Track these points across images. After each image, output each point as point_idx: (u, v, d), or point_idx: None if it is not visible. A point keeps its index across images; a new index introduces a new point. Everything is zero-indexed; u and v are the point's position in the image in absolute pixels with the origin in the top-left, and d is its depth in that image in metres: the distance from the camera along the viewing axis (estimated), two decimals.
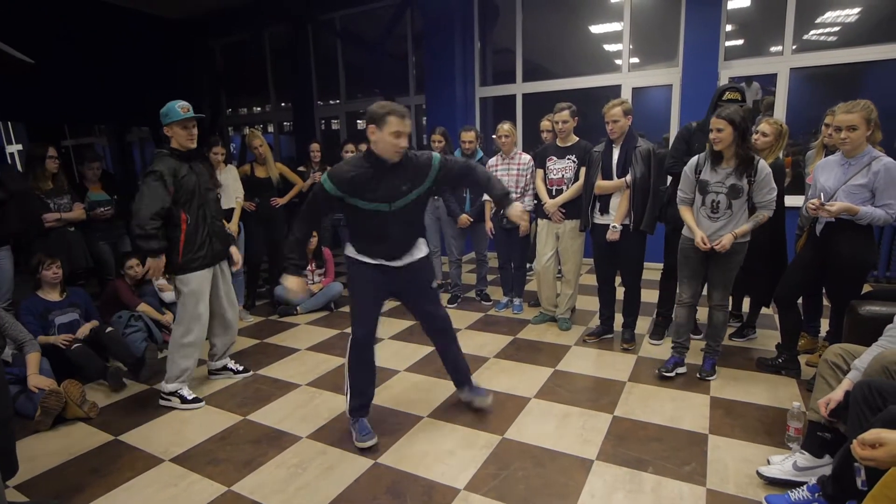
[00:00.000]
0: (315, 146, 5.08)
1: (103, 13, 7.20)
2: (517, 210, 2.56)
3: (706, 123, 3.32)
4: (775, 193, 2.79)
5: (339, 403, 2.94)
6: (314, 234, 4.71)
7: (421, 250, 2.60)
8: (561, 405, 2.82)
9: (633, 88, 5.76)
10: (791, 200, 3.55)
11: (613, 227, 3.39)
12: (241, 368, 3.41)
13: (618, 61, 5.91)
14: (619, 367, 3.27)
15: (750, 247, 3.22)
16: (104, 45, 7.25)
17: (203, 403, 3.02)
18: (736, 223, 2.83)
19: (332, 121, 8.51)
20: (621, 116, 3.27)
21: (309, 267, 4.79)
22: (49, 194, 3.72)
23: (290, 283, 2.51)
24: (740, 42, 5.49)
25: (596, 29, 6.25)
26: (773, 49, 5.24)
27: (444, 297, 4.84)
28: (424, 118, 7.09)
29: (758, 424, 2.55)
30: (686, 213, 2.98)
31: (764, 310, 3.70)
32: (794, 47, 5.01)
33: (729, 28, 5.30)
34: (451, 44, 6.29)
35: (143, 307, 3.85)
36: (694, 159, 2.94)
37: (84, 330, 3.40)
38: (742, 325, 3.69)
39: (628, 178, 3.31)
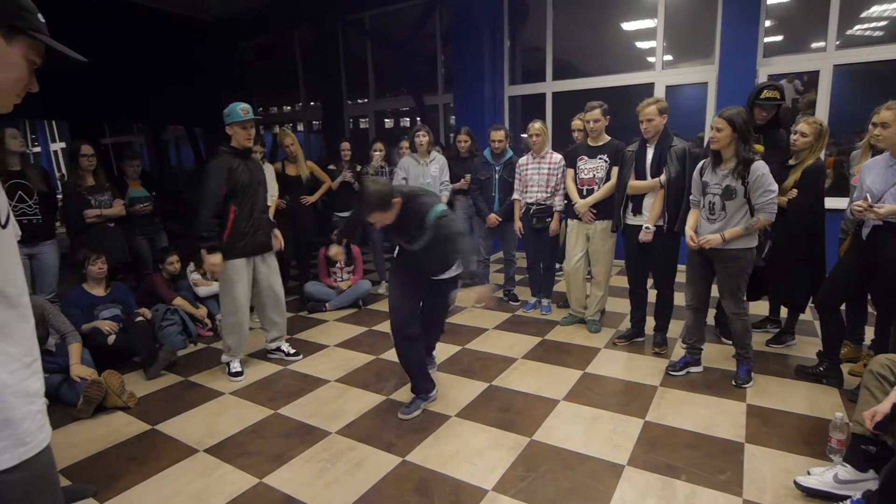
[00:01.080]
0: (346, 145, 5.12)
1: (140, 15, 7.41)
2: (471, 295, 2.62)
3: None
4: (773, 196, 2.72)
5: (367, 401, 2.96)
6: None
7: (455, 269, 2.79)
8: (590, 408, 2.78)
9: (667, 86, 5.63)
10: (833, 202, 3.43)
11: (646, 227, 3.33)
12: (293, 352, 3.63)
13: (651, 59, 5.80)
14: (650, 371, 3.21)
15: (786, 248, 3.13)
16: (142, 47, 7.46)
17: (242, 378, 3.32)
18: (732, 226, 2.79)
19: (361, 119, 8.58)
20: (656, 115, 3.20)
21: (338, 264, 4.84)
22: (90, 191, 3.84)
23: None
24: (779, 38, 5.31)
25: (628, 26, 6.13)
26: (814, 45, 5.06)
27: None
28: (452, 117, 7.09)
29: (797, 434, 2.46)
30: (690, 215, 3.02)
31: (803, 315, 3.57)
32: (837, 43, 4.83)
33: (768, 24, 5.13)
34: (480, 42, 6.27)
35: (178, 301, 3.96)
36: (701, 162, 2.96)
37: (107, 325, 3.49)
38: (780, 331, 3.57)
39: (662, 177, 3.24)
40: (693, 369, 3.13)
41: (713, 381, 3.02)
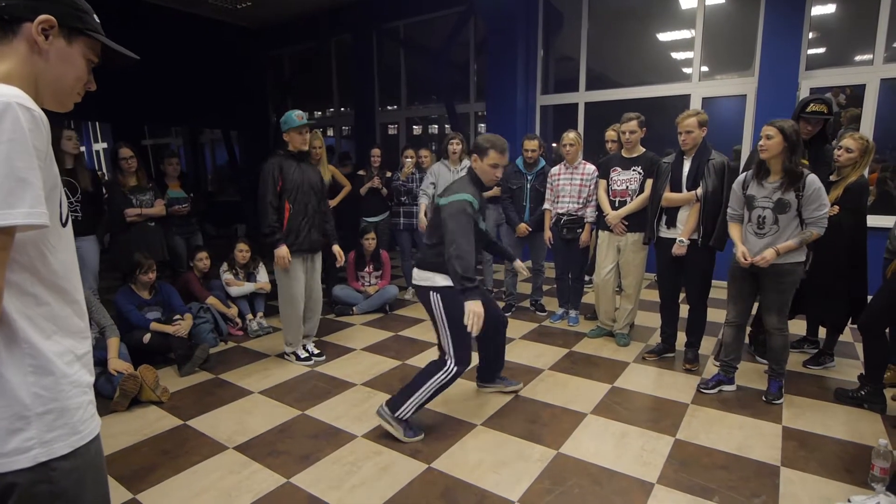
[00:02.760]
0: (376, 151, 5.18)
1: (181, 21, 7.67)
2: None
3: None
4: (826, 210, 2.65)
5: None
6: (373, 235, 4.81)
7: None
8: (619, 423, 2.73)
9: (703, 98, 5.54)
10: (876, 220, 3.31)
11: (680, 241, 3.27)
12: (316, 352, 3.71)
13: (687, 70, 5.71)
14: (680, 387, 3.14)
15: (826, 267, 3.04)
16: (181, 52, 7.71)
17: (313, 361, 3.59)
18: (784, 240, 2.71)
19: (390, 126, 8.66)
20: (696, 127, 3.15)
21: (366, 269, 4.89)
22: (132, 191, 3.98)
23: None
24: (822, 50, 5.17)
25: (664, 37, 6.07)
26: (858, 58, 4.91)
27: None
28: (482, 125, 7.11)
29: (836, 460, 2.37)
30: (733, 230, 2.95)
31: (843, 336, 3.45)
32: (885, 55, 4.67)
33: (811, 35, 5.01)
34: (514, 51, 6.28)
35: (211, 300, 4.05)
36: (742, 175, 2.90)
37: (188, 324, 3.66)
38: (819, 352, 3.45)
39: (699, 191, 3.18)
40: (726, 388, 3.06)
41: (747, 401, 2.94)
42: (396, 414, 2.56)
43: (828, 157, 3.13)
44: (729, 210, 2.97)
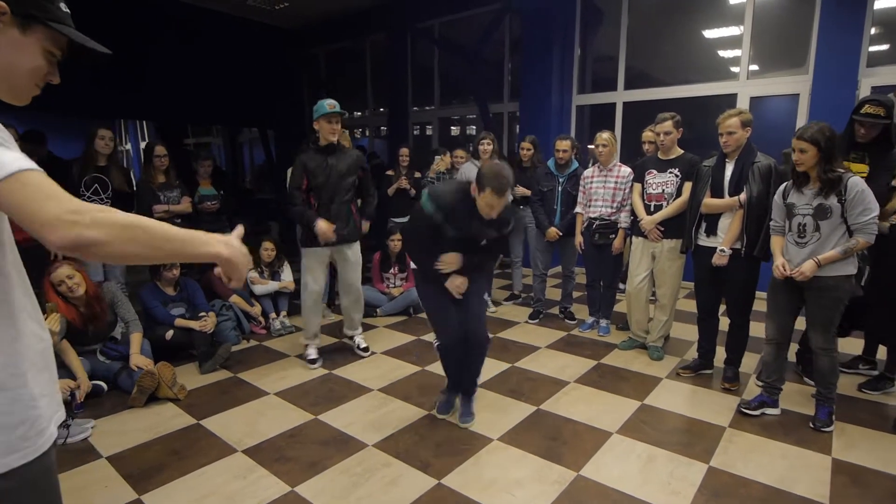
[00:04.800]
0: (404, 151, 5.10)
1: (221, 24, 7.82)
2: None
3: (844, 139, 2.89)
4: (874, 215, 2.40)
5: (408, 413, 2.87)
6: (399, 236, 4.73)
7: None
8: (646, 445, 2.53)
9: (752, 98, 5.21)
10: None
11: (721, 250, 3.03)
12: (363, 346, 3.75)
13: (734, 68, 5.38)
14: (717, 409, 2.90)
15: (887, 280, 2.75)
16: (220, 54, 7.86)
17: (317, 366, 3.52)
18: (827, 250, 2.47)
19: (426, 126, 8.60)
20: (738, 128, 2.91)
21: (392, 270, 4.82)
22: (161, 188, 4.04)
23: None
24: (885, 47, 4.76)
25: (710, 33, 5.75)
26: None
27: (525, 312, 4.65)
28: (518, 125, 6.94)
29: (894, 501, 2.11)
30: (775, 242, 2.72)
31: None
32: None
33: (873, 31, 4.62)
34: (550, 50, 6.09)
35: (234, 298, 4.06)
36: (783, 185, 2.68)
37: (213, 321, 3.66)
38: (878, 376, 3.14)
39: (742, 196, 2.94)
40: (769, 411, 2.81)
41: (793, 428, 2.68)
42: None
43: (891, 163, 2.84)
44: (771, 223, 2.75)
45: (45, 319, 2.75)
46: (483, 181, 2.32)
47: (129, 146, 11.73)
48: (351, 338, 3.79)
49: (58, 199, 0.76)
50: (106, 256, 0.80)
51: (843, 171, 2.45)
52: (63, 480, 2.25)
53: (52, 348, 1.02)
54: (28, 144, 4.10)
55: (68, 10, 0.93)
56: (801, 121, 4.89)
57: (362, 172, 3.55)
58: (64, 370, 2.92)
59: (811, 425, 2.66)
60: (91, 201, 3.71)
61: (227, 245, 0.94)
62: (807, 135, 2.43)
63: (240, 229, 1.03)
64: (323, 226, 3.28)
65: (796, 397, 2.99)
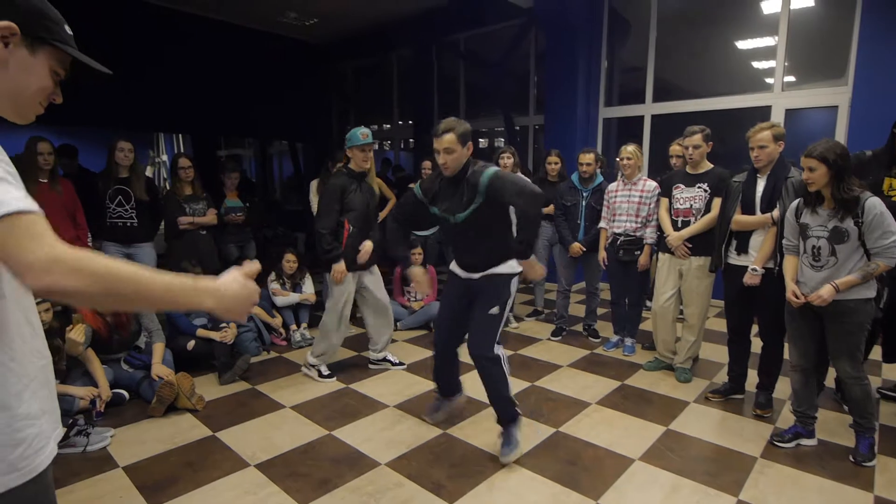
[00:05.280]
0: (427, 163, 5.10)
1: (252, 40, 8.04)
2: (532, 268, 2.53)
3: (885, 153, 2.74)
4: (894, 238, 2.24)
5: (423, 432, 2.82)
6: (420, 250, 4.71)
7: (504, 267, 2.53)
8: (671, 474, 2.41)
9: (787, 110, 5.02)
10: None
11: (752, 269, 2.89)
12: (398, 361, 3.78)
13: (769, 80, 5.21)
14: (748, 436, 2.75)
15: None
16: (253, 68, 8.07)
17: (335, 379, 3.50)
18: (845, 274, 2.33)
19: None
20: (770, 142, 2.79)
21: (412, 284, 4.78)
22: (186, 199, 4.12)
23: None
24: None
25: (743, 44, 5.59)
26: None
27: (548, 329, 4.54)
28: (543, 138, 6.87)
29: None
30: (788, 263, 2.59)
31: None
32: None
33: None
34: (575, 62, 6.02)
35: (255, 309, 4.08)
36: (795, 202, 2.55)
37: (233, 332, 3.68)
38: None
39: (775, 213, 2.81)
40: (805, 442, 2.64)
41: (830, 460, 2.52)
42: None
43: None
44: (784, 241, 2.61)
45: (71, 330, 2.87)
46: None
47: (165, 157, 12.14)
48: (384, 359, 3.77)
49: (40, 243, 0.76)
50: (85, 304, 0.80)
51: (859, 190, 2.32)
52: (80, 490, 2.29)
53: (53, 366, 1.02)
54: (62, 158, 4.26)
55: (71, 33, 0.96)
56: (841, 134, 4.69)
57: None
58: (87, 378, 2.98)
59: (851, 458, 2.49)
60: (116, 213, 3.82)
61: (217, 297, 0.91)
62: (815, 152, 2.32)
63: (254, 266, 0.99)
64: (340, 267, 3.34)
65: (835, 427, 2.82)
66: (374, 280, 3.60)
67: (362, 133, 3.31)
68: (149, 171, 12.55)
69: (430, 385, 3.43)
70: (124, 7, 6.40)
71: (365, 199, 3.41)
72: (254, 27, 7.96)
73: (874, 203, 2.28)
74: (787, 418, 2.89)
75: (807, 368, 2.62)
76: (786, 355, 3.03)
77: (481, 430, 2.80)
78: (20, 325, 0.91)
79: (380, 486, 2.32)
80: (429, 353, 4.04)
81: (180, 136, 12.52)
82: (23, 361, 0.91)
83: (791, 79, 5.14)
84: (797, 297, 2.47)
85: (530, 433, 2.79)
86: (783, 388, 3.15)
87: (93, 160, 5.38)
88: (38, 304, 1.02)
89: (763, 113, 5.11)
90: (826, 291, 2.35)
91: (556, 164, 4.60)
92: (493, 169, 2.43)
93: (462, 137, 2.42)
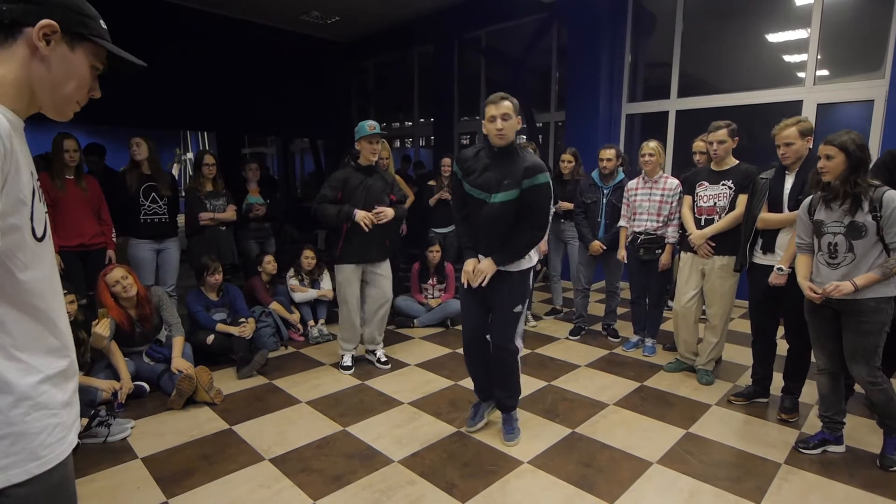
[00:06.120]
0: (446, 161, 5.08)
1: (273, 38, 8.13)
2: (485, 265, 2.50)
3: None
4: None
5: (437, 429, 2.80)
6: (439, 248, 4.69)
7: (525, 261, 2.53)
8: (690, 479, 2.34)
9: (819, 105, 4.85)
10: None
11: (779, 269, 2.79)
12: (384, 360, 3.72)
13: (800, 74, 5.04)
14: (772, 442, 2.66)
15: None
16: (275, 66, 8.17)
17: (350, 373, 3.57)
18: (864, 271, 2.24)
19: (475, 136, 8.55)
20: (797, 138, 2.69)
21: (430, 281, 4.78)
22: (208, 196, 4.18)
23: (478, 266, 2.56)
24: None
25: (773, 37, 5.40)
26: None
27: (566, 328, 4.48)
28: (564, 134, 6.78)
29: None
30: (801, 262, 2.51)
31: None
32: None
33: None
34: (598, 57, 5.91)
35: (274, 305, 4.13)
36: (808, 198, 2.45)
37: (251, 327, 3.70)
38: None
39: None
40: (832, 448, 2.54)
41: (859, 467, 2.41)
42: None
43: None
44: (797, 240, 2.51)
45: (97, 324, 2.94)
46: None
47: (190, 155, 12.40)
48: (373, 351, 3.75)
49: None
50: None
51: (870, 184, 2.23)
52: (100, 480, 2.34)
53: (77, 360, 1.03)
54: (90, 156, 4.36)
55: (106, 27, 0.98)
56: (877, 129, 4.51)
57: (393, 195, 3.54)
58: (110, 370, 3.05)
59: (878, 464, 2.39)
60: (151, 210, 3.92)
61: None
62: (836, 140, 2.25)
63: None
64: (361, 213, 3.28)
65: (863, 431, 2.71)
66: (378, 275, 3.56)
67: (369, 125, 3.30)
68: (175, 169, 12.83)
69: (446, 382, 3.43)
70: (150, 6, 6.54)
71: (370, 193, 3.37)
72: (276, 26, 8.06)
73: (892, 196, 2.18)
74: (813, 424, 2.79)
75: (834, 371, 2.52)
76: (814, 358, 2.94)
77: (495, 430, 2.77)
78: (42, 320, 0.92)
79: (392, 483, 2.32)
80: (446, 351, 4.04)
81: (205, 133, 12.77)
82: (46, 355, 0.92)
83: (824, 72, 4.95)
84: (815, 293, 2.38)
85: (546, 433, 2.75)
86: (810, 392, 3.05)
87: (119, 160, 5.50)
88: (64, 296, 1.03)
89: (794, 108, 4.94)
90: (844, 285, 2.26)
91: (569, 162, 4.51)
92: (549, 176, 2.47)
93: (517, 108, 2.45)
